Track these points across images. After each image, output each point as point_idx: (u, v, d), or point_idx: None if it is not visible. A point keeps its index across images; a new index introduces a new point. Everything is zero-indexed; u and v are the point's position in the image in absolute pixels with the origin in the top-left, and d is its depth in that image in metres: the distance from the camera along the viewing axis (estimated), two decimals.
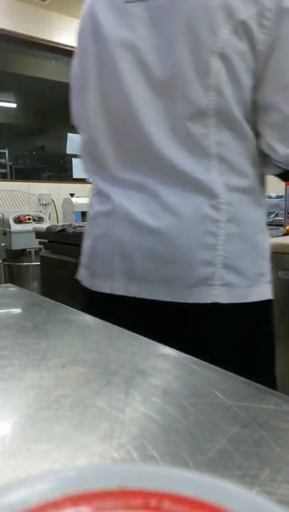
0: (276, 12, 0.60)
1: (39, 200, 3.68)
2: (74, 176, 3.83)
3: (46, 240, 2.28)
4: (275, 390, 0.33)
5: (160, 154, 0.66)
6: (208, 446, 0.25)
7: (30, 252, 3.25)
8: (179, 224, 0.65)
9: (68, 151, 3.55)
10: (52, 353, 0.42)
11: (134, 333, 0.47)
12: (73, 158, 3.79)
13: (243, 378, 0.35)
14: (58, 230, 2.02)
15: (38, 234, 2.36)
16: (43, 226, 2.34)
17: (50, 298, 0.66)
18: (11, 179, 3.98)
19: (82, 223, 1.99)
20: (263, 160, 0.70)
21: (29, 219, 3.28)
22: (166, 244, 0.66)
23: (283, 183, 1.63)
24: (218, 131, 0.64)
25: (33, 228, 2.53)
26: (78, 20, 0.77)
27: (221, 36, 0.60)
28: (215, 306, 0.65)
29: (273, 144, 0.65)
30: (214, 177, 0.65)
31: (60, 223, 2.77)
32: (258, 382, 0.34)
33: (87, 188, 2.73)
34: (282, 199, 1.79)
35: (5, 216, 3.26)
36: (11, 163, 4.05)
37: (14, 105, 4.53)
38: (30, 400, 0.32)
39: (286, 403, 0.31)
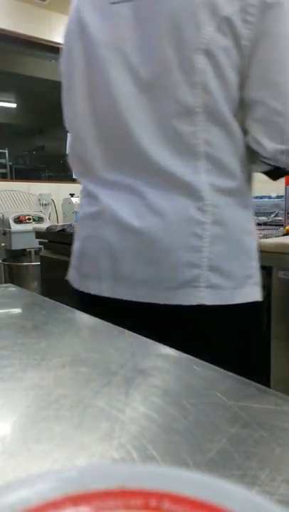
0: (260, 8, 0.60)
1: (39, 200, 3.68)
2: (74, 176, 3.82)
3: (46, 240, 2.28)
4: None
5: (147, 155, 0.66)
6: (208, 446, 0.25)
7: (30, 252, 3.25)
8: (165, 226, 0.65)
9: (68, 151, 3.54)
10: (52, 353, 0.42)
11: (134, 333, 0.47)
12: None
13: (243, 378, 0.35)
14: (58, 230, 2.02)
15: (38, 234, 2.36)
16: (43, 226, 2.34)
17: (50, 298, 0.66)
18: (11, 179, 3.98)
19: None
20: (251, 157, 0.69)
21: (29, 219, 3.28)
22: (151, 245, 0.66)
23: (283, 183, 1.63)
24: (205, 129, 0.64)
25: (33, 228, 2.53)
26: None
27: (205, 33, 0.60)
28: (201, 307, 0.65)
29: (260, 139, 0.65)
30: (201, 178, 0.65)
31: (60, 223, 2.77)
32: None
33: None
34: (282, 199, 1.79)
35: (5, 216, 3.26)
36: (11, 163, 4.05)
37: (14, 105, 4.53)
38: (30, 400, 0.32)
39: (286, 403, 0.31)
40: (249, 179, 0.72)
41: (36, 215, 3.35)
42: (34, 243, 2.64)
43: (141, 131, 0.66)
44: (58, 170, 4.44)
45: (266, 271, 1.36)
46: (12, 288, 0.76)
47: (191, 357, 0.40)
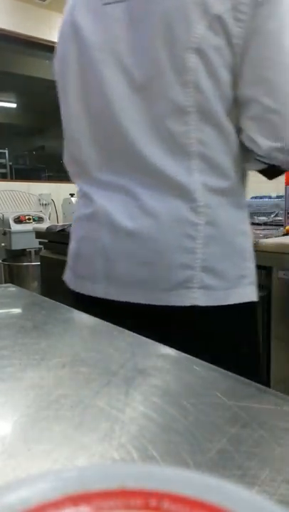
0: (251, 5, 0.60)
1: (39, 200, 3.68)
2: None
3: (46, 240, 2.28)
4: None
5: (141, 156, 0.66)
6: (208, 446, 0.25)
7: (30, 252, 3.25)
8: (158, 227, 0.65)
9: None
10: (52, 353, 0.42)
11: (134, 333, 0.47)
12: None
13: (243, 378, 0.35)
14: (58, 230, 2.02)
15: (38, 234, 2.36)
16: (43, 226, 2.34)
17: (50, 298, 0.66)
18: (11, 179, 3.98)
19: None
20: (246, 155, 0.69)
21: (29, 219, 3.28)
22: (145, 247, 0.66)
23: (283, 183, 1.63)
24: (198, 129, 0.64)
25: (33, 228, 2.53)
26: None
27: (196, 32, 0.60)
28: (195, 308, 0.65)
29: (255, 137, 0.65)
30: (194, 178, 0.65)
31: (60, 223, 2.76)
32: None
33: None
34: (282, 199, 1.79)
35: (5, 216, 3.26)
36: (11, 163, 4.05)
37: (14, 105, 4.53)
38: (30, 400, 0.32)
39: (286, 403, 0.31)
40: (243, 179, 0.71)
41: (36, 215, 3.35)
42: (34, 243, 2.64)
43: (135, 131, 0.66)
44: (58, 170, 4.44)
45: (266, 271, 1.36)
46: (12, 288, 0.76)
47: (191, 357, 0.40)
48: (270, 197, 2.28)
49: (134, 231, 0.67)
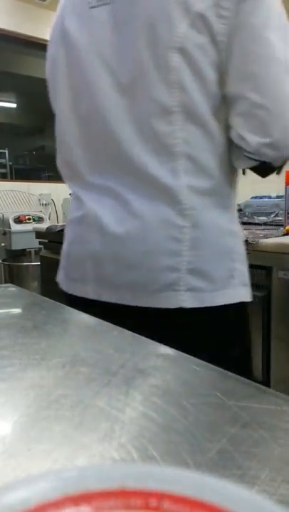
0: (234, 1, 0.59)
1: (39, 200, 3.67)
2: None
3: (46, 240, 2.29)
4: None
5: (128, 157, 0.67)
6: (208, 446, 0.25)
7: (30, 252, 3.25)
8: (145, 230, 0.66)
9: None
10: (52, 353, 0.42)
11: (134, 333, 0.47)
12: None
13: (243, 378, 0.35)
14: (57, 230, 2.02)
15: (38, 234, 2.36)
16: (43, 226, 2.34)
17: (50, 298, 0.66)
18: (11, 179, 3.98)
19: None
20: (236, 153, 0.68)
21: (29, 219, 3.28)
22: (132, 250, 0.67)
23: (283, 183, 1.63)
24: (183, 128, 0.64)
25: (33, 228, 2.53)
26: None
27: (178, 31, 0.60)
28: (183, 310, 0.65)
29: (243, 133, 0.64)
30: (179, 180, 0.65)
31: (60, 223, 2.76)
32: None
33: None
34: (282, 199, 1.79)
35: (5, 216, 3.26)
36: (11, 163, 4.05)
37: (14, 105, 4.53)
38: (30, 400, 0.32)
39: (286, 403, 0.31)
40: (230, 179, 0.70)
41: (36, 215, 3.35)
42: (34, 243, 2.64)
43: (121, 133, 0.67)
44: (58, 170, 4.44)
45: (266, 271, 1.36)
46: (12, 288, 0.76)
47: (191, 357, 0.40)
48: (270, 197, 2.28)
49: (122, 234, 0.67)
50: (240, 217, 2.34)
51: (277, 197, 2.20)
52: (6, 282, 3.04)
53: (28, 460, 0.25)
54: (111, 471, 0.16)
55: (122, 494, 0.15)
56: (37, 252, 3.04)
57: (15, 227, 3.20)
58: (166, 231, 0.65)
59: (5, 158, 3.98)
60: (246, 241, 1.38)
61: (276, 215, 1.99)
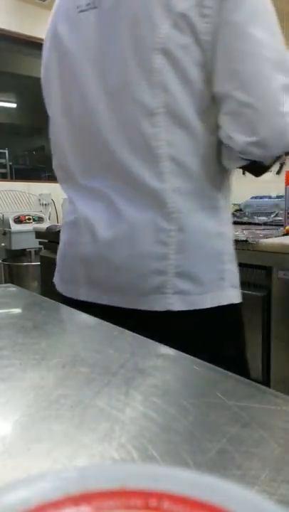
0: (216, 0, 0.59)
1: (39, 200, 3.67)
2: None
3: (46, 240, 2.29)
4: None
5: (117, 161, 0.67)
6: (208, 446, 0.25)
7: (30, 252, 3.25)
8: (132, 234, 0.66)
9: None
10: (52, 353, 0.42)
11: (134, 333, 0.47)
12: None
13: (243, 378, 0.35)
14: (58, 230, 2.02)
15: (38, 234, 2.36)
16: (43, 226, 2.34)
17: (50, 298, 0.66)
18: (11, 179, 3.98)
19: None
20: (227, 153, 0.68)
21: (29, 219, 3.28)
22: (120, 253, 0.67)
23: (283, 183, 1.63)
24: (168, 130, 0.63)
25: (33, 228, 2.53)
26: None
27: (161, 32, 0.60)
28: (172, 312, 0.65)
29: (230, 133, 0.63)
30: (165, 183, 0.65)
31: (60, 223, 2.76)
32: None
33: None
34: (282, 199, 1.79)
35: (5, 216, 3.26)
36: (11, 163, 4.05)
37: (14, 105, 4.53)
38: (30, 400, 0.32)
39: (286, 403, 0.31)
40: (217, 181, 0.70)
41: (36, 215, 3.35)
42: (34, 243, 2.64)
43: (110, 136, 0.67)
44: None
45: (266, 271, 1.36)
46: (12, 288, 0.76)
47: (191, 357, 0.40)
48: (270, 197, 2.28)
49: (111, 238, 0.68)
50: (240, 217, 2.33)
51: (277, 197, 2.20)
52: (6, 282, 3.04)
53: (28, 460, 0.25)
54: (111, 471, 0.16)
55: (122, 494, 0.15)
56: (37, 252, 3.04)
57: (15, 227, 3.19)
58: (154, 235, 0.66)
59: (5, 158, 3.98)
60: (246, 241, 1.38)
61: (276, 215, 1.99)
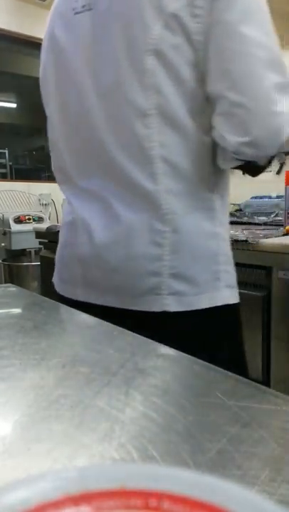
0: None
1: (39, 200, 3.67)
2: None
3: (46, 240, 2.29)
4: None
5: (111, 162, 0.67)
6: (208, 446, 0.25)
7: (30, 252, 3.25)
8: (127, 235, 0.67)
9: None
10: (52, 353, 0.42)
11: (134, 333, 0.47)
12: None
13: (243, 378, 0.35)
14: (57, 230, 2.02)
15: (38, 234, 2.36)
16: (43, 226, 2.35)
17: (50, 298, 0.66)
18: (11, 179, 3.98)
19: None
20: (221, 153, 0.67)
21: (29, 219, 3.28)
22: (115, 254, 0.68)
23: (283, 183, 1.63)
24: (160, 131, 0.63)
25: (33, 228, 2.53)
26: None
27: (153, 33, 0.60)
28: (168, 313, 0.65)
29: (223, 133, 0.63)
30: (159, 184, 0.65)
31: (60, 223, 2.76)
32: None
33: None
34: (282, 199, 1.79)
35: (5, 216, 3.26)
36: (11, 163, 4.05)
37: (14, 105, 4.53)
38: (30, 400, 0.32)
39: (286, 403, 0.31)
40: (211, 182, 0.69)
41: (36, 215, 3.35)
42: (34, 243, 2.64)
43: (105, 137, 0.67)
44: None
45: (266, 271, 1.36)
46: (12, 288, 0.76)
47: (191, 357, 0.40)
48: (270, 197, 2.28)
49: (106, 239, 0.69)
50: (240, 217, 2.33)
51: (277, 197, 2.21)
52: (6, 282, 3.04)
53: (27, 460, 0.25)
54: (111, 471, 0.16)
55: (122, 494, 0.15)
56: (37, 252, 3.04)
57: (15, 227, 3.19)
58: (148, 236, 0.66)
59: (5, 158, 3.98)
60: (246, 241, 1.38)
61: (276, 215, 1.99)
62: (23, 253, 3.28)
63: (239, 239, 1.38)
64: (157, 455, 0.25)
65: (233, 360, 0.72)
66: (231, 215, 2.20)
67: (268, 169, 0.73)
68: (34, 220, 3.29)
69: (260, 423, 0.28)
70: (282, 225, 1.65)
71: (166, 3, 0.59)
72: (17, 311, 0.63)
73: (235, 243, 1.37)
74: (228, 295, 0.70)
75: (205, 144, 0.66)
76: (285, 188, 1.62)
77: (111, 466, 0.21)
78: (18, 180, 3.81)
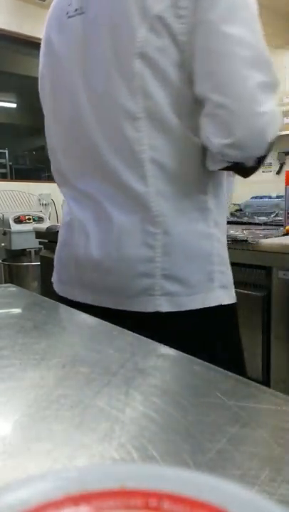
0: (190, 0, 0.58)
1: (39, 200, 3.67)
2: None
3: (46, 240, 2.29)
4: None
5: (104, 165, 0.68)
6: (208, 446, 0.25)
7: (30, 252, 3.25)
8: (120, 237, 0.67)
9: None
10: (52, 353, 0.42)
11: (134, 333, 0.47)
12: None
13: (243, 378, 0.35)
14: (57, 230, 2.02)
15: (38, 234, 2.36)
16: (43, 226, 2.35)
17: (50, 298, 0.66)
18: (11, 179, 3.98)
19: None
20: (210, 155, 0.66)
21: (29, 219, 3.28)
22: (109, 256, 0.69)
23: (283, 183, 1.63)
24: (150, 134, 0.64)
25: (33, 228, 2.53)
26: None
27: (138, 35, 0.60)
28: (161, 313, 0.66)
29: (208, 134, 0.62)
30: (149, 186, 0.65)
31: (60, 223, 2.76)
32: None
33: None
34: (282, 199, 1.79)
35: (5, 216, 3.26)
36: (11, 163, 4.05)
37: (14, 105, 4.53)
38: (30, 400, 0.32)
39: (286, 403, 0.31)
40: (203, 183, 0.69)
41: (36, 215, 3.35)
42: (34, 243, 2.64)
43: (98, 141, 0.68)
44: None
45: (266, 271, 1.36)
46: (12, 288, 0.76)
47: (191, 357, 0.40)
48: (270, 197, 2.28)
49: (101, 241, 0.69)
50: (240, 217, 2.33)
51: (277, 197, 2.21)
52: (6, 282, 3.04)
53: (27, 460, 0.25)
54: (111, 471, 0.16)
55: (122, 494, 0.15)
56: (37, 252, 3.04)
57: (15, 227, 3.19)
58: (140, 238, 0.66)
59: (5, 158, 3.98)
60: (246, 241, 1.38)
61: (276, 215, 1.99)
62: (23, 253, 3.28)
63: (239, 239, 1.38)
64: (157, 455, 0.25)
65: (230, 360, 0.72)
66: (231, 215, 2.20)
67: (262, 169, 0.73)
68: (34, 220, 3.29)
69: (260, 423, 0.28)
70: (282, 225, 1.65)
71: (151, 5, 0.59)
72: (17, 311, 0.63)
73: (235, 243, 1.37)
74: (223, 295, 0.69)
75: (195, 145, 0.66)
76: (285, 188, 1.62)
77: (111, 466, 0.21)
78: (18, 180, 3.81)
